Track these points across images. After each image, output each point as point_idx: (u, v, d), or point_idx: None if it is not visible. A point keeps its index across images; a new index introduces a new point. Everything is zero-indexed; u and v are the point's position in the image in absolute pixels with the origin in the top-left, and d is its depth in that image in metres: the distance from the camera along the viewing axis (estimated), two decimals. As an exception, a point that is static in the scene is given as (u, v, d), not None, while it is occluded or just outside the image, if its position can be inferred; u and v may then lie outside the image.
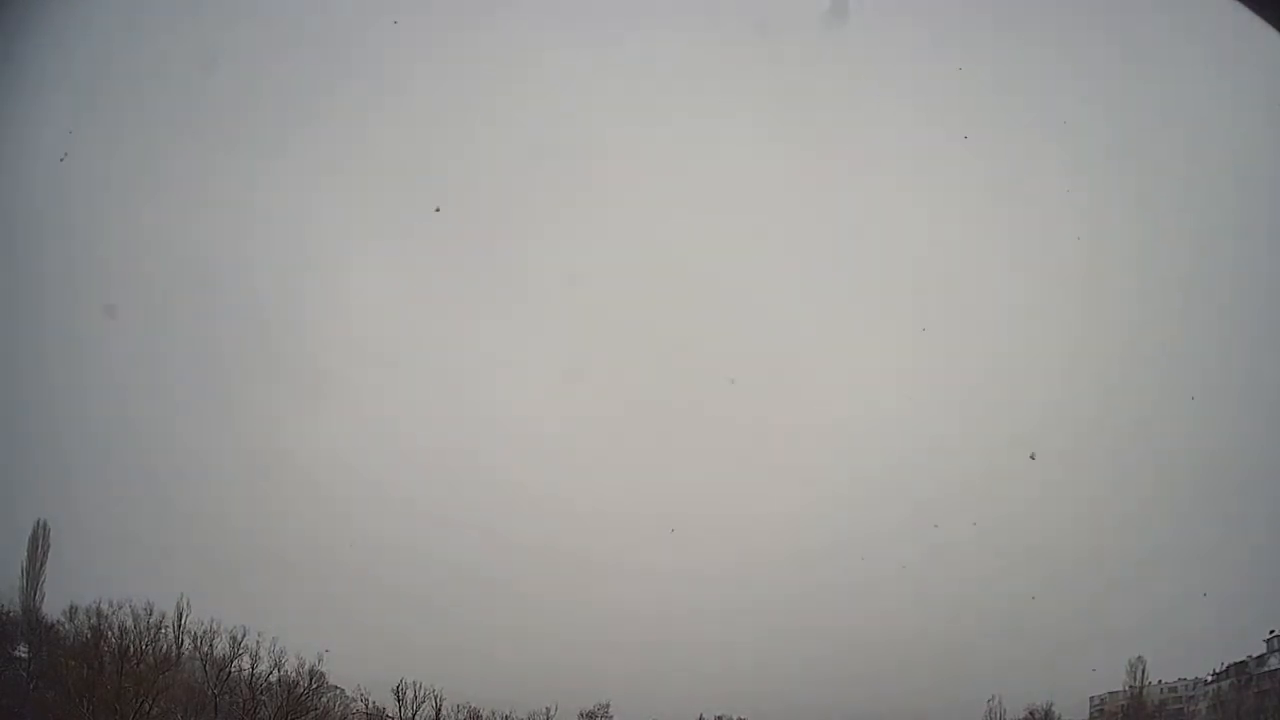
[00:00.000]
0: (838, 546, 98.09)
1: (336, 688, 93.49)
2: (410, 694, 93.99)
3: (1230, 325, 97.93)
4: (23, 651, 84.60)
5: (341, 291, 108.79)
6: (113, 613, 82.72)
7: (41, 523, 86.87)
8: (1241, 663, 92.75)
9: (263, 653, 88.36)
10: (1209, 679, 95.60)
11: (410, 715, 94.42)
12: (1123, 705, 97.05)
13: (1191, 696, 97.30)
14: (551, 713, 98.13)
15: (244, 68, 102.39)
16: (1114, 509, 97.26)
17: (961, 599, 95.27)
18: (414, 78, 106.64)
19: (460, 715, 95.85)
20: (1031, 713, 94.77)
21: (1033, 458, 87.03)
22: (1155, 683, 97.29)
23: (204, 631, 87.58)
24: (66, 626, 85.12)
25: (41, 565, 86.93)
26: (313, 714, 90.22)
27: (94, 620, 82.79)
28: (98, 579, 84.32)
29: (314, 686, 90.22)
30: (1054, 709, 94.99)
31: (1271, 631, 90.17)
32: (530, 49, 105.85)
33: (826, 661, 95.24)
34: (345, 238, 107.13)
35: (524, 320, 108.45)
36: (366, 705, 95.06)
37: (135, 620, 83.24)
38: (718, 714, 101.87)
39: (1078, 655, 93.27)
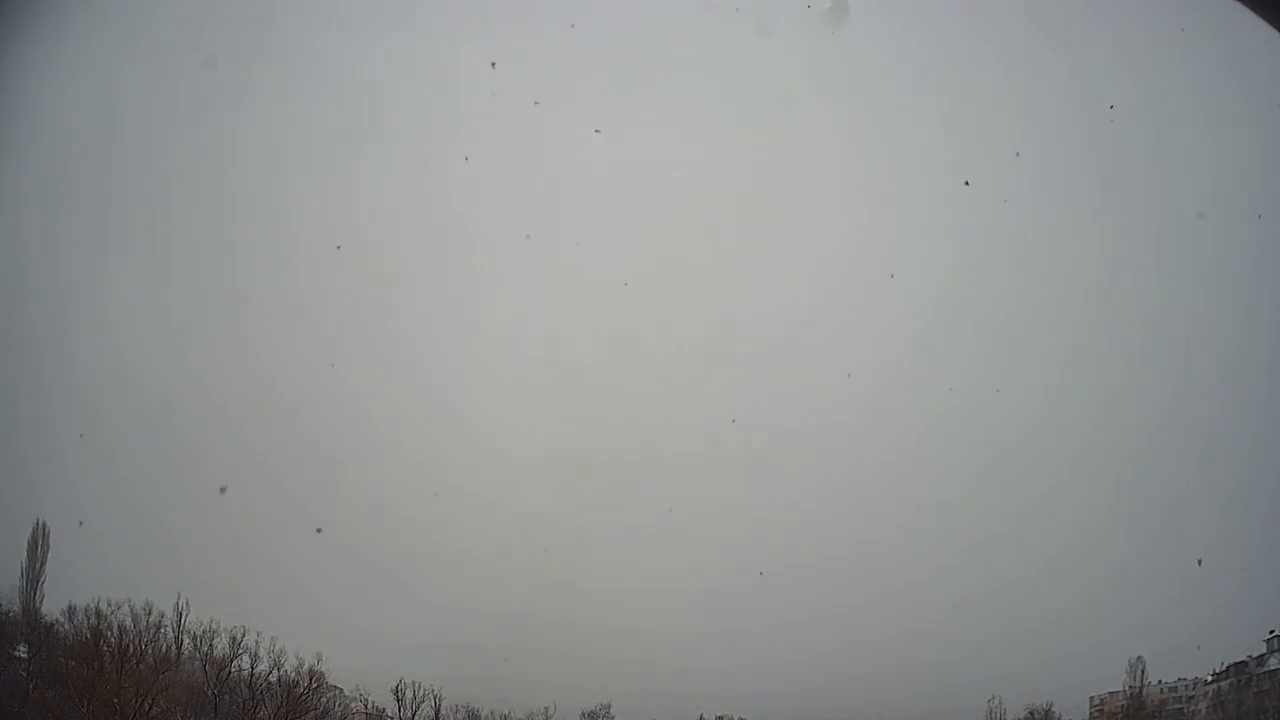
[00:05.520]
0: (838, 548, 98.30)
1: (336, 688, 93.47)
2: (410, 694, 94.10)
3: (1231, 325, 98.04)
4: (23, 651, 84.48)
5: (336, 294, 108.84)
6: (112, 612, 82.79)
7: (41, 523, 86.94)
8: (1241, 663, 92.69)
9: (262, 653, 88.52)
10: (1209, 679, 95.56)
11: (410, 715, 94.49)
12: (1123, 705, 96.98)
13: (1191, 696, 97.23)
14: (550, 712, 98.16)
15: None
16: (1114, 509, 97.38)
17: (961, 599, 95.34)
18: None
19: (459, 715, 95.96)
20: (1031, 713, 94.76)
21: None
22: (1155, 683, 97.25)
23: (204, 631, 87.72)
24: (66, 626, 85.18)
25: (41, 565, 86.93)
26: (312, 714, 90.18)
27: (93, 620, 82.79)
28: (97, 579, 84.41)
29: (313, 686, 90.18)
30: (1054, 709, 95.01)
31: (1271, 631, 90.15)
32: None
33: (827, 662, 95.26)
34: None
35: (518, 324, 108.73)
36: (366, 705, 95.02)
37: (135, 620, 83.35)
38: (718, 714, 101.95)
39: (1078, 655, 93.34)
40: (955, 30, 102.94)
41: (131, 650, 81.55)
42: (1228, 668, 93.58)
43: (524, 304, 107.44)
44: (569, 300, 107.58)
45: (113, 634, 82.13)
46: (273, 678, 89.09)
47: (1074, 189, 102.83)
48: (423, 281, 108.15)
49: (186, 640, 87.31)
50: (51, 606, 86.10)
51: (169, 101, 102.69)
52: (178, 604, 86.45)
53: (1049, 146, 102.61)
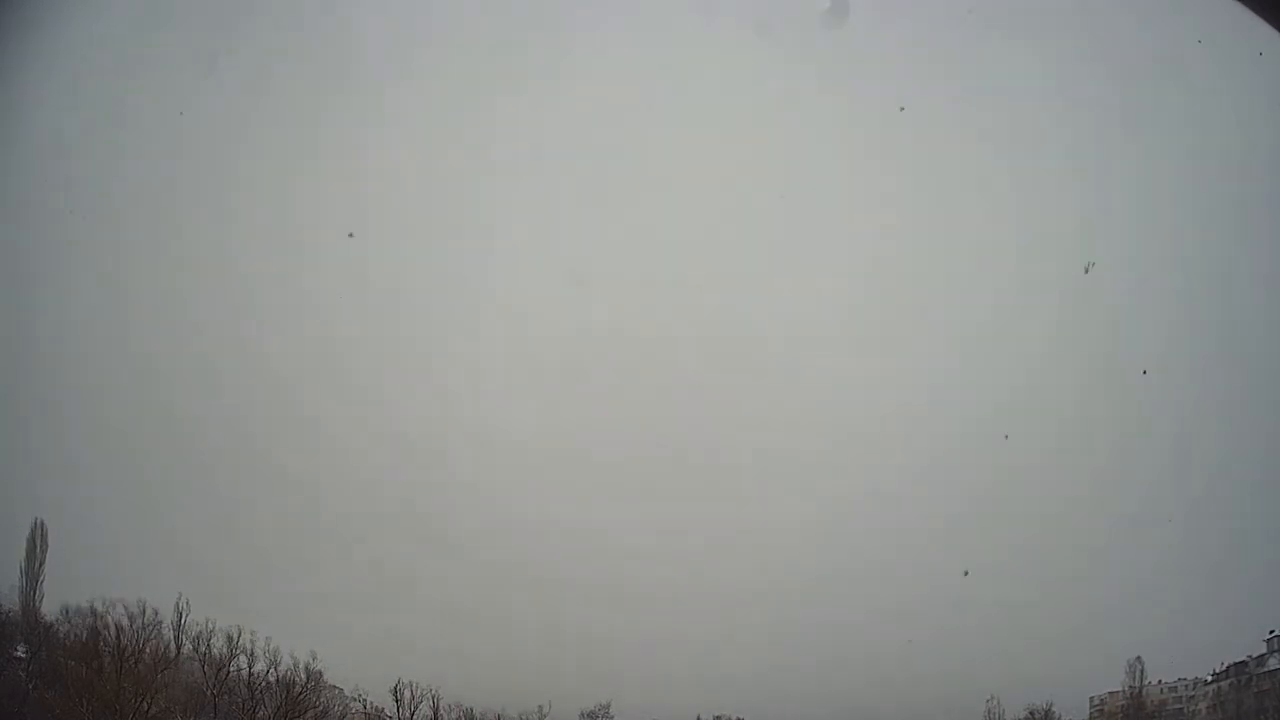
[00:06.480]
0: (837, 548, 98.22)
1: (335, 687, 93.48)
2: (408, 694, 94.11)
3: (1231, 326, 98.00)
4: (22, 651, 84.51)
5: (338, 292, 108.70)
6: (109, 612, 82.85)
7: (40, 522, 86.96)
8: (1241, 663, 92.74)
9: (260, 652, 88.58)
10: (1209, 679, 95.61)
11: (409, 715, 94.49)
12: (1122, 705, 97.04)
13: (1191, 696, 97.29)
14: (545, 711, 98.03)
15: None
16: (1114, 509, 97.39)
17: (962, 599, 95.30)
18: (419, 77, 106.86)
19: (457, 715, 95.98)
20: (1031, 713, 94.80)
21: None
22: (1155, 683, 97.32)
23: (202, 631, 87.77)
24: (65, 626, 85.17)
25: (40, 565, 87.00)
26: (311, 714, 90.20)
27: (92, 620, 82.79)
28: (96, 579, 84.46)
29: (312, 686, 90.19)
30: (1054, 709, 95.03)
31: (1271, 631, 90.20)
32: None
33: (826, 662, 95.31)
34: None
35: (523, 321, 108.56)
36: (365, 705, 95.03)
37: (132, 620, 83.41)
38: (717, 714, 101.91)
39: (1078, 655, 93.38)
40: (960, 36, 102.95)
41: (130, 650, 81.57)
42: (1228, 668, 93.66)
43: (538, 304, 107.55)
44: (583, 303, 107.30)
45: (111, 634, 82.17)
46: (271, 677, 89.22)
47: (1077, 194, 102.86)
48: (435, 276, 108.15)
49: (185, 640, 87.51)
50: (51, 606, 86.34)
51: (175, 96, 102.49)
52: (177, 604, 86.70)
53: (1050, 149, 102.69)
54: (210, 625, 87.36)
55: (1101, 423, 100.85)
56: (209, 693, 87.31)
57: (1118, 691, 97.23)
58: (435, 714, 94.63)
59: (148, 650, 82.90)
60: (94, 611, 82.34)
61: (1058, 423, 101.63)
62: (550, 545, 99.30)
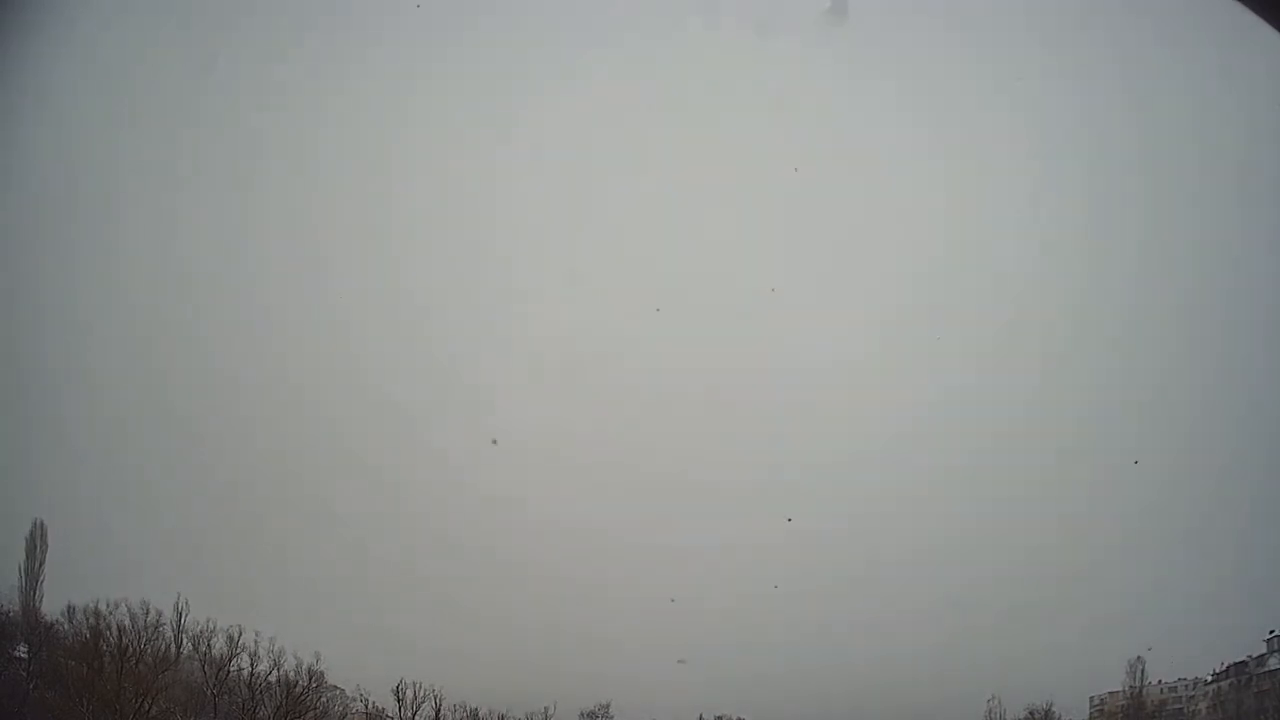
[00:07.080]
0: (839, 550, 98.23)
1: (336, 688, 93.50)
2: (410, 694, 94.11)
3: (1232, 324, 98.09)
4: (22, 651, 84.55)
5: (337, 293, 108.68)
6: (110, 612, 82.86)
7: (39, 522, 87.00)
8: (1241, 663, 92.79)
9: (261, 653, 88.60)
10: (1209, 679, 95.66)
11: (410, 715, 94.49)
12: (1123, 705, 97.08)
13: (1191, 696, 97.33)
14: (550, 712, 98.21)
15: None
16: (1115, 510, 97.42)
17: (961, 599, 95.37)
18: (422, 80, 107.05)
19: (459, 716, 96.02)
20: (1031, 713, 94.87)
21: None
22: (1155, 683, 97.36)
23: (202, 631, 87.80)
24: (65, 626, 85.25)
25: (40, 565, 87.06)
26: (312, 714, 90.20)
27: (92, 620, 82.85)
28: (96, 579, 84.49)
29: (313, 686, 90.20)
30: (1054, 709, 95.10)
31: (1271, 631, 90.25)
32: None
33: (827, 662, 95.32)
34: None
35: (522, 322, 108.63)
36: (366, 705, 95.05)
37: (133, 620, 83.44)
38: (717, 714, 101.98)
39: (1078, 655, 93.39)
40: (957, 34, 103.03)
41: (131, 650, 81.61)
42: (1228, 668, 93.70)
43: (540, 305, 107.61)
44: (583, 304, 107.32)
45: (112, 634, 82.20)
46: (272, 677, 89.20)
47: (1076, 196, 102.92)
48: (437, 277, 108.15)
49: (185, 640, 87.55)
50: (51, 606, 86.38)
51: (179, 93, 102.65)
52: (176, 603, 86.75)
53: (1051, 151, 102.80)
54: (211, 625, 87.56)
55: (1102, 427, 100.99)
56: (209, 693, 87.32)
57: (1118, 691, 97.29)
58: (437, 714, 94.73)
59: (149, 651, 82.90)
60: (97, 612, 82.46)
61: (1059, 427, 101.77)
62: (551, 546, 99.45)
